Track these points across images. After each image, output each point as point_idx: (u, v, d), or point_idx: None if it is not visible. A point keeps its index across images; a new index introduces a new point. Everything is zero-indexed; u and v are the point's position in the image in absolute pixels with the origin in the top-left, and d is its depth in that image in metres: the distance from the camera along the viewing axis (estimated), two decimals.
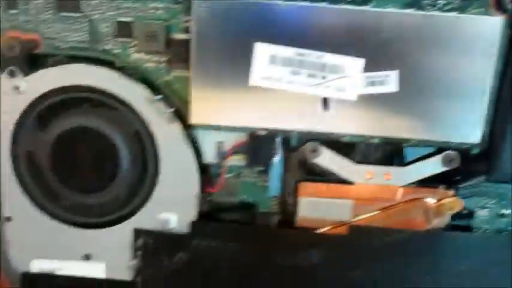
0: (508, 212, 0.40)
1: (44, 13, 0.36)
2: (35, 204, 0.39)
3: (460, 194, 0.39)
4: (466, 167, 0.38)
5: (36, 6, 0.35)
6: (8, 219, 0.39)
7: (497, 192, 0.39)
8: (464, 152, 0.38)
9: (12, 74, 0.36)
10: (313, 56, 0.35)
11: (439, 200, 0.39)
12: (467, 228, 0.40)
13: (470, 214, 0.40)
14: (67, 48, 0.36)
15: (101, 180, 0.38)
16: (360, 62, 0.35)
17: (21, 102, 0.37)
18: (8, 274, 0.41)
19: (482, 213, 0.40)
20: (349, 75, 0.36)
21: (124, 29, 0.36)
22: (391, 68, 0.35)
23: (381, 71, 0.35)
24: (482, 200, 0.40)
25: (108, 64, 0.37)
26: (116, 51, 0.36)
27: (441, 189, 0.39)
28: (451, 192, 0.38)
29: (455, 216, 0.40)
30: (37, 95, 0.37)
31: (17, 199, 0.39)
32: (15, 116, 0.37)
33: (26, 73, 0.36)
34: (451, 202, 0.38)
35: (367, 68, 0.35)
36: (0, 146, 0.38)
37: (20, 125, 0.37)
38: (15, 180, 0.39)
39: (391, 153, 0.39)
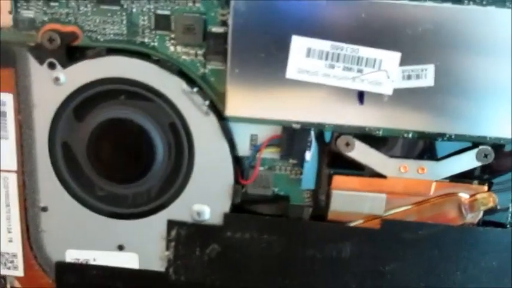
0: None
1: (84, 6, 0.36)
2: (70, 194, 0.40)
3: (494, 190, 0.39)
4: (500, 162, 0.39)
5: None
6: (44, 209, 0.40)
7: None
8: (498, 147, 0.38)
9: (52, 66, 0.37)
10: (349, 49, 0.36)
11: (472, 195, 0.39)
12: (501, 225, 0.40)
13: (504, 210, 0.40)
14: (106, 40, 0.37)
15: (136, 171, 0.39)
16: (397, 56, 0.35)
17: (60, 94, 0.38)
18: (42, 263, 0.42)
19: None
20: (386, 68, 0.36)
21: (162, 22, 0.36)
22: (428, 62, 0.36)
23: (417, 65, 0.36)
24: None
25: (146, 56, 0.37)
26: (153, 44, 0.37)
27: (475, 185, 0.39)
28: (485, 187, 0.39)
29: (489, 212, 0.40)
30: (76, 86, 0.37)
31: (53, 189, 0.40)
32: (54, 107, 0.38)
33: (65, 65, 0.37)
34: (485, 197, 0.39)
35: (404, 62, 0.36)
36: (38, 137, 0.39)
37: (58, 116, 0.38)
38: (51, 171, 0.39)
39: (424, 147, 0.39)
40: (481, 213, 0.39)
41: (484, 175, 0.39)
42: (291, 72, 0.36)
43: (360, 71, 0.36)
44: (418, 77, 0.36)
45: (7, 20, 0.36)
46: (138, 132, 0.38)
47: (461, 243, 0.39)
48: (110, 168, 0.39)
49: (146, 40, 0.37)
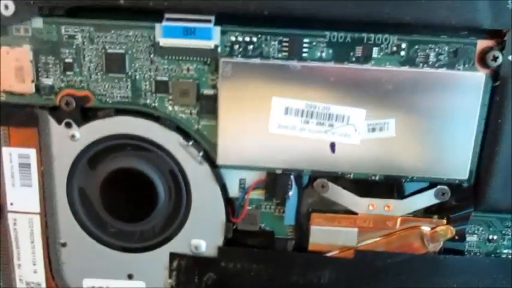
0: (495, 237, 0.46)
1: (95, 74, 0.42)
2: (86, 232, 0.46)
3: (452, 223, 0.45)
4: (457, 199, 0.44)
5: (88, 68, 0.42)
6: (64, 245, 0.47)
7: (485, 220, 0.45)
8: (455, 186, 0.44)
9: (68, 125, 0.43)
10: (321, 107, 0.42)
11: (433, 228, 0.44)
12: (460, 252, 0.46)
13: (462, 239, 0.45)
14: (114, 102, 0.43)
15: (141, 212, 0.45)
16: (362, 112, 0.41)
17: (76, 148, 0.44)
18: None
19: (472, 239, 0.46)
20: (353, 123, 0.42)
21: (161, 87, 0.42)
22: (389, 116, 0.42)
23: (380, 119, 0.42)
24: (472, 227, 0.46)
25: (148, 116, 0.43)
26: (154, 104, 0.43)
27: (435, 219, 0.45)
28: (444, 221, 0.44)
29: (449, 241, 0.46)
30: (89, 142, 0.44)
31: (71, 227, 0.46)
32: (71, 159, 0.44)
33: (80, 124, 0.43)
34: (444, 230, 0.44)
35: (368, 117, 0.41)
36: (57, 184, 0.45)
37: (74, 166, 0.44)
38: (69, 212, 0.46)
39: (392, 187, 0.45)
40: (442, 243, 0.45)
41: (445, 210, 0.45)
42: (273, 127, 0.42)
43: (331, 125, 0.42)
44: (381, 129, 0.42)
45: (30, 87, 0.42)
46: (143, 179, 0.44)
47: (425, 269, 0.45)
48: (119, 209, 0.45)
49: (148, 101, 0.43)
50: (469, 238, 0.45)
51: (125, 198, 0.45)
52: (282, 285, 0.46)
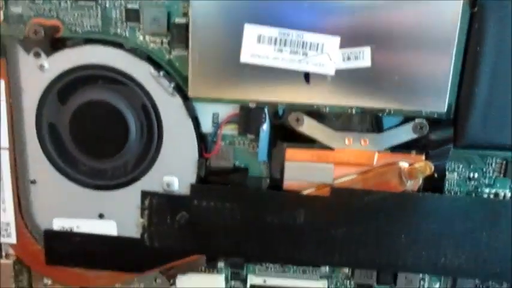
0: (476, 175, 0.45)
1: (64, 2, 0.42)
2: (56, 169, 0.45)
3: (431, 159, 0.43)
4: (436, 134, 0.43)
5: None
6: (33, 182, 0.46)
7: (466, 157, 0.44)
8: (434, 121, 0.43)
9: (37, 55, 0.42)
10: (294, 35, 0.41)
11: (411, 164, 0.44)
12: (439, 190, 0.45)
13: (441, 177, 0.44)
14: (84, 32, 0.42)
15: (112, 148, 0.44)
16: (337, 40, 0.41)
17: (45, 79, 0.43)
18: (33, 231, 0.47)
19: (452, 177, 0.45)
20: (327, 51, 0.41)
21: (132, 15, 0.42)
22: (365, 44, 0.41)
23: (355, 47, 0.41)
24: (452, 164, 0.44)
25: (119, 45, 0.43)
26: (125, 34, 0.42)
27: (413, 154, 0.43)
28: (422, 157, 0.43)
29: (429, 179, 0.45)
30: (58, 72, 0.43)
31: (41, 165, 0.45)
32: (40, 91, 0.44)
33: (49, 54, 0.42)
34: (422, 166, 0.43)
35: (343, 45, 0.41)
36: (26, 118, 0.44)
37: (43, 99, 0.44)
38: (39, 148, 0.45)
39: (370, 121, 0.44)
40: (421, 181, 0.44)
41: (424, 145, 0.44)
42: (245, 57, 0.42)
43: (305, 54, 0.41)
44: (356, 58, 0.41)
45: None
46: (114, 113, 0.43)
47: (403, 208, 0.44)
48: (90, 145, 0.44)
49: (118, 31, 0.42)
50: (448, 176, 0.44)
51: (95, 135, 0.44)
52: (256, 225, 0.45)
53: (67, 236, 0.47)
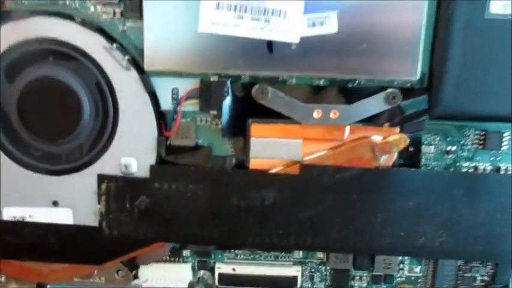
0: (453, 148, 0.42)
1: None
2: (5, 154, 0.42)
3: (405, 131, 0.41)
4: (410, 105, 0.41)
5: None
6: None
7: (442, 129, 0.42)
8: (407, 90, 0.41)
9: None
10: (255, 1, 0.39)
11: (385, 137, 0.41)
12: (415, 165, 0.42)
13: (417, 151, 0.42)
14: (30, 4, 0.40)
15: (65, 129, 0.41)
16: (300, 4, 0.39)
17: None
18: None
19: (428, 150, 0.43)
20: (291, 17, 0.39)
21: None
22: (330, 9, 0.39)
23: (320, 12, 0.39)
24: (427, 137, 0.42)
25: (68, 17, 0.40)
26: (75, 5, 0.40)
27: (386, 127, 0.41)
28: (396, 129, 0.41)
29: (404, 154, 0.42)
30: (4, 48, 0.40)
31: None
32: None
33: None
34: (397, 139, 0.41)
35: (308, 10, 0.38)
36: None
37: None
38: None
39: (340, 93, 0.42)
40: (395, 156, 0.42)
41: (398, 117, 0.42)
42: (203, 26, 0.39)
43: (267, 20, 0.39)
44: (322, 23, 0.39)
45: None
46: (66, 91, 0.41)
47: (377, 185, 0.42)
48: (40, 126, 0.41)
49: (67, 2, 0.40)
50: (424, 149, 0.42)
51: (46, 115, 0.41)
52: (222, 208, 0.42)
53: (19, 226, 0.44)
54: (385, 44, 0.39)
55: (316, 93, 0.41)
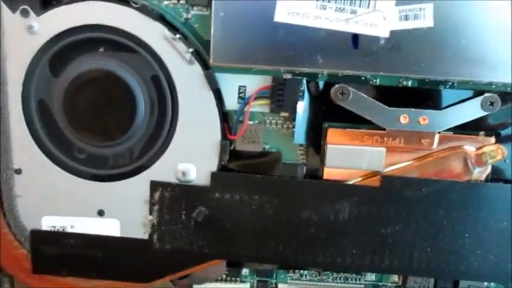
0: None
1: None
2: (46, 155, 0.38)
3: (503, 141, 0.37)
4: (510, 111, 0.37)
5: None
6: (18, 171, 0.39)
7: None
8: (505, 95, 0.37)
9: (25, 13, 0.36)
10: None
11: (479, 148, 0.37)
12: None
13: None
14: None
15: (116, 130, 0.37)
16: None
17: (35, 44, 0.36)
18: (17, 232, 0.40)
19: None
20: (381, 9, 0.35)
21: None
22: (426, 0, 0.35)
23: (414, 3, 0.35)
24: None
25: (125, 2, 0.36)
26: None
27: (481, 136, 0.37)
28: (492, 139, 0.37)
29: (499, 167, 0.38)
30: (51, 35, 0.36)
31: (28, 150, 0.38)
32: (28, 59, 0.37)
33: (39, 12, 0.36)
34: (493, 150, 0.37)
35: (400, 1, 0.35)
36: (11, 92, 0.37)
37: (32, 68, 0.37)
38: (26, 129, 0.38)
39: (427, 96, 0.38)
40: (490, 168, 0.38)
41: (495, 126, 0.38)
42: (280, 15, 0.35)
43: (353, 12, 0.35)
44: (416, 17, 0.35)
45: None
46: (118, 86, 0.36)
47: (468, 202, 0.37)
48: (88, 126, 0.37)
49: None
50: None
51: (95, 114, 0.37)
52: (290, 223, 0.38)
53: (59, 237, 0.40)
54: (486, 42, 0.35)
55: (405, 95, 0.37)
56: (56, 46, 0.36)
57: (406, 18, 0.35)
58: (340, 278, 0.42)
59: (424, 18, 0.35)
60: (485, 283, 0.41)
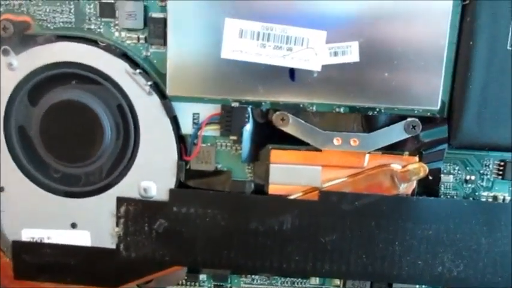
0: (473, 177, 0.43)
1: None
2: (25, 175, 0.44)
3: (425, 160, 0.42)
4: (430, 134, 0.42)
5: None
6: (1, 189, 0.44)
7: (461, 159, 0.43)
8: (427, 120, 0.42)
9: (6, 53, 0.41)
10: (278, 29, 0.40)
11: (404, 166, 0.42)
12: (435, 194, 0.43)
13: (436, 180, 0.43)
14: (56, 28, 0.41)
15: (86, 152, 0.43)
16: (323, 34, 0.40)
17: (14, 78, 0.42)
18: (1, 243, 0.45)
19: (448, 179, 0.43)
20: (313, 46, 0.40)
21: (107, 9, 0.41)
22: (352, 39, 0.40)
23: (342, 42, 0.40)
24: (447, 166, 0.43)
25: (93, 42, 0.42)
26: (99, 30, 0.41)
27: (406, 156, 0.42)
28: (415, 158, 0.42)
29: (423, 183, 0.43)
30: (28, 71, 0.42)
31: (10, 171, 0.44)
32: (9, 91, 0.42)
33: (18, 52, 0.41)
34: (416, 168, 0.42)
35: (330, 40, 0.40)
36: None
37: (12, 100, 0.42)
38: (7, 153, 0.43)
39: (359, 120, 0.43)
40: (415, 184, 0.43)
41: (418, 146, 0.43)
42: (226, 53, 0.41)
43: (289, 49, 0.40)
44: (344, 53, 0.40)
45: None
46: (88, 114, 0.42)
47: (397, 213, 0.42)
48: (62, 149, 0.43)
49: (93, 27, 0.41)
50: (444, 178, 0.43)
51: (68, 138, 0.42)
52: (240, 233, 0.43)
53: (37, 247, 0.45)
54: (407, 73, 0.40)
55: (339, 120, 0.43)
56: (33, 80, 0.42)
57: (336, 54, 0.40)
58: (287, 282, 0.47)
59: (351, 54, 0.40)
60: (417, 286, 0.46)
